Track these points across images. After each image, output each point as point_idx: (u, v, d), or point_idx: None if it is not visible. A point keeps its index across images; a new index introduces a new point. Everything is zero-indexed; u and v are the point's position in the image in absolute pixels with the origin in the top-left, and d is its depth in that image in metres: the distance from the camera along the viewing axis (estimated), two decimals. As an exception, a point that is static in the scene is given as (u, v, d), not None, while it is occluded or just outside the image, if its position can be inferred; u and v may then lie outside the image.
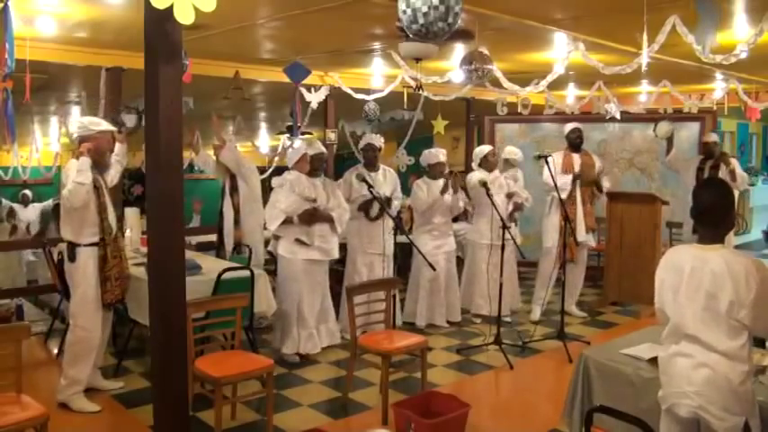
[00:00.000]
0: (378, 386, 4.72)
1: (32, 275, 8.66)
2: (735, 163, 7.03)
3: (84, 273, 4.44)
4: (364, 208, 6.17)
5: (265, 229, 5.86)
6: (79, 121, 4.57)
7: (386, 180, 6.30)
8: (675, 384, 2.63)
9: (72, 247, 4.43)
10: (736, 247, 8.51)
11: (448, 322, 6.55)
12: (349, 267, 6.30)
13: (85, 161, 4.31)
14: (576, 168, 6.75)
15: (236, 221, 6.17)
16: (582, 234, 6.72)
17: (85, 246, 4.44)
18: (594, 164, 6.92)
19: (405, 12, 3.39)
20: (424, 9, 3.33)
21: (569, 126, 7.02)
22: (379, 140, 6.30)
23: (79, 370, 4.46)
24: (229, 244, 6.19)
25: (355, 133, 10.18)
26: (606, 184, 7.03)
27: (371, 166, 6.27)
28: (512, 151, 7.17)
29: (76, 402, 4.46)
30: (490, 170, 6.64)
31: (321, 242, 5.55)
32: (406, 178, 8.85)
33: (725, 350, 2.55)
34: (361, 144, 6.35)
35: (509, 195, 6.66)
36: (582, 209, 6.75)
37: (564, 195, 6.50)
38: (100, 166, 4.50)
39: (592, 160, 6.93)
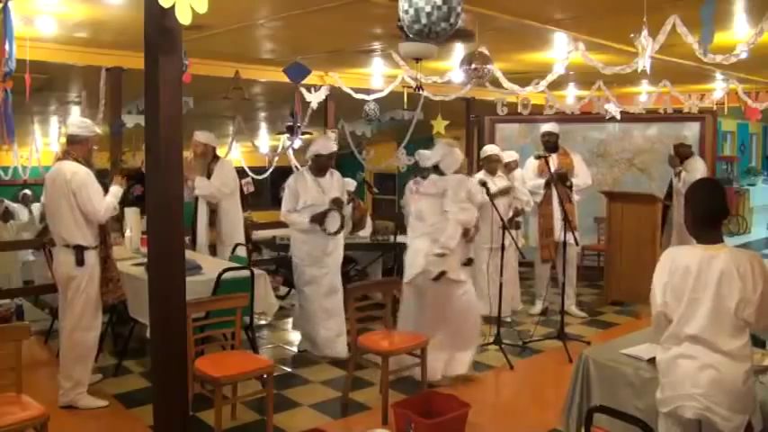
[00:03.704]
0: (378, 386, 4.72)
1: (29, 275, 8.65)
2: (694, 166, 7.13)
3: (92, 275, 4.51)
4: (319, 219, 5.58)
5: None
6: (81, 120, 4.70)
7: (334, 185, 5.78)
8: (680, 387, 2.61)
9: (81, 250, 4.45)
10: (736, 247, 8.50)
11: None
12: (299, 285, 5.81)
13: (119, 190, 4.62)
14: (552, 170, 6.76)
15: (212, 223, 6.25)
16: (559, 233, 6.74)
17: (92, 248, 4.51)
18: (572, 162, 6.94)
19: (407, 11, 3.38)
20: (428, 9, 3.32)
21: (543, 128, 7.06)
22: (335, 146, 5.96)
23: (82, 370, 4.52)
24: (202, 245, 6.24)
25: (355, 133, 10.17)
26: (580, 181, 6.92)
27: (321, 171, 5.73)
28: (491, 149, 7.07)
29: (83, 401, 4.51)
30: (492, 173, 6.64)
31: None
32: (407, 179, 8.83)
33: (729, 350, 2.55)
34: (321, 151, 5.68)
35: (505, 191, 6.60)
36: (559, 209, 6.74)
37: (537, 198, 6.84)
38: (91, 165, 4.58)
39: (569, 159, 6.96)
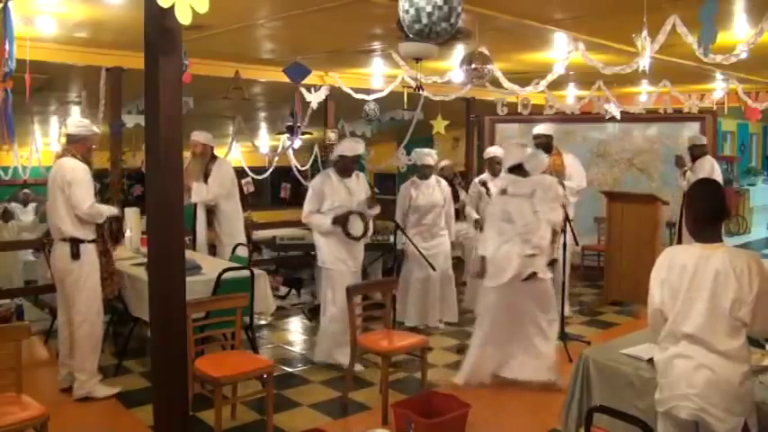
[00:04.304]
0: (378, 386, 4.72)
1: (32, 275, 8.65)
2: (701, 166, 7.10)
3: (91, 268, 4.58)
4: (341, 221, 5.34)
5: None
6: (80, 120, 4.84)
7: (360, 187, 5.59)
8: (675, 387, 2.62)
9: (76, 243, 4.51)
10: (736, 247, 8.52)
11: (446, 323, 6.49)
12: (325, 288, 5.46)
13: (111, 212, 4.72)
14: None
15: (210, 223, 6.24)
16: None
17: (89, 242, 4.58)
18: (563, 164, 6.81)
19: (407, 11, 3.38)
20: (428, 9, 3.32)
21: (534, 130, 6.88)
22: (362, 149, 5.60)
23: (94, 361, 4.65)
24: (202, 245, 6.24)
25: (355, 133, 10.18)
26: (573, 183, 6.72)
27: (346, 173, 5.48)
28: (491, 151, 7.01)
29: (99, 390, 4.64)
30: (494, 174, 6.63)
31: None
32: (407, 179, 8.85)
33: (725, 350, 2.55)
34: (345, 152, 5.44)
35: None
36: None
37: None
38: (90, 164, 4.65)
39: (560, 160, 6.82)
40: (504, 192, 5.04)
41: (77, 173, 4.50)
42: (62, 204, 4.50)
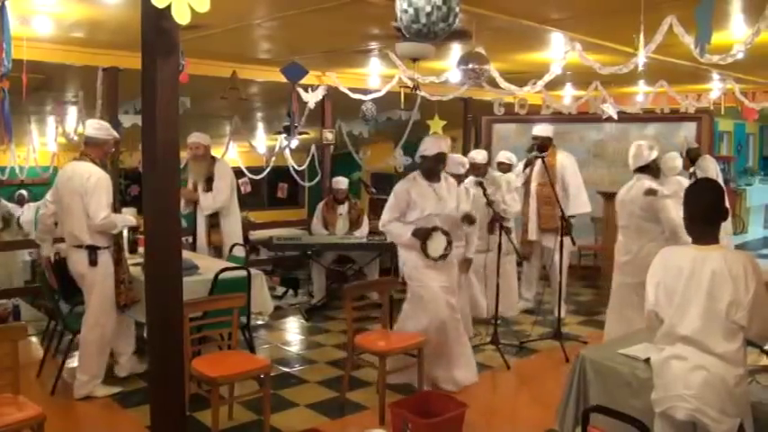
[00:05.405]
0: (375, 386, 4.72)
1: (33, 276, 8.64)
2: (707, 166, 7.16)
3: (106, 275, 4.58)
4: (422, 236, 4.74)
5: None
6: (99, 122, 4.82)
7: (451, 193, 5.02)
8: (671, 388, 2.62)
9: (94, 250, 4.51)
10: (734, 247, 8.53)
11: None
12: (409, 308, 4.94)
13: (130, 222, 4.85)
14: (536, 171, 6.66)
15: (215, 225, 6.19)
16: (534, 233, 6.75)
17: (105, 248, 4.57)
18: (555, 165, 6.70)
19: (406, 11, 3.38)
20: (428, 9, 3.32)
21: (534, 130, 6.83)
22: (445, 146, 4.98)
23: (99, 363, 4.67)
24: (202, 247, 6.20)
25: (352, 133, 10.16)
26: (574, 191, 6.70)
27: (433, 176, 4.92)
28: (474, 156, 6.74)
29: (100, 391, 4.66)
30: (482, 176, 6.58)
31: None
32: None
33: (721, 353, 2.55)
34: (427, 152, 4.88)
35: (489, 203, 6.38)
36: (536, 208, 6.74)
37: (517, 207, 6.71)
38: (106, 167, 4.71)
39: (554, 161, 6.71)
40: (651, 192, 4.86)
41: (98, 180, 4.46)
42: (81, 212, 4.47)
